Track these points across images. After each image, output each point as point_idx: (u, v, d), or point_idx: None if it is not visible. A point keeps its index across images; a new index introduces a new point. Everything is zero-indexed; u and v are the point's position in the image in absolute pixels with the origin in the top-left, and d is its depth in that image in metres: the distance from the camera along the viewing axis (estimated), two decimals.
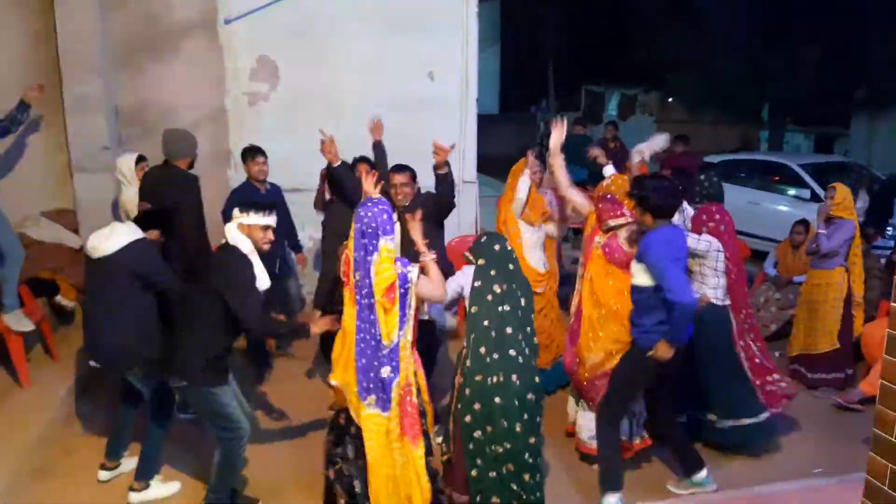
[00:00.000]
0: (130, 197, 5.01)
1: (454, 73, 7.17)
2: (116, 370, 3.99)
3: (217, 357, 3.50)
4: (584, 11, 20.08)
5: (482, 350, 3.34)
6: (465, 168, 7.38)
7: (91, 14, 6.01)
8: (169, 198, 4.54)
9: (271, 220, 3.57)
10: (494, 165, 9.63)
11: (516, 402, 3.31)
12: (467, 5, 7.13)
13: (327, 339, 4.98)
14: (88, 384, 5.06)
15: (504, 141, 15.82)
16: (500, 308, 3.37)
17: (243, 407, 3.72)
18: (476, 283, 3.41)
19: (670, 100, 19.49)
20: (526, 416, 3.34)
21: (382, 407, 3.12)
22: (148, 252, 3.87)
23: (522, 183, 4.96)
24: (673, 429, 4.05)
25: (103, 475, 4.12)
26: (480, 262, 3.46)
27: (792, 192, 9.01)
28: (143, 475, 3.92)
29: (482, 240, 3.55)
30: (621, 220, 4.04)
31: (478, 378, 3.34)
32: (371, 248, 3.09)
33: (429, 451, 3.25)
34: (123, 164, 5.27)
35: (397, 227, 3.82)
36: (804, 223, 6.45)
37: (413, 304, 3.17)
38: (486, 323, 3.35)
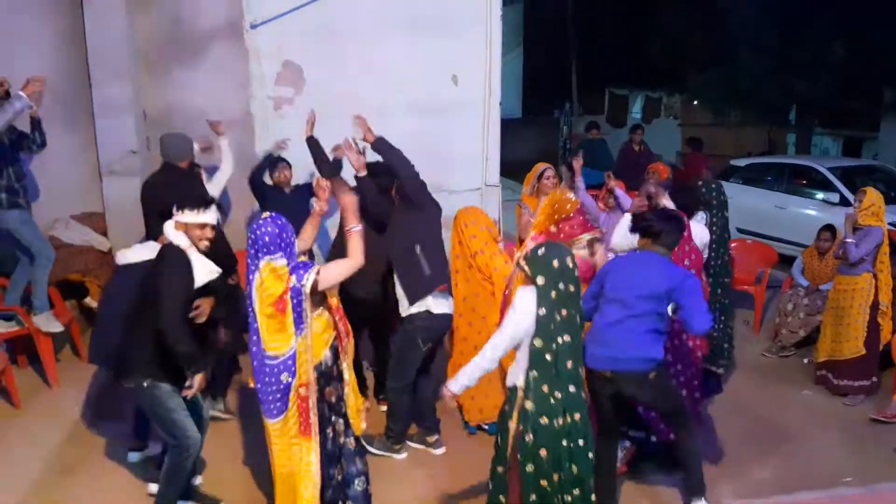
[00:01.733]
0: None
1: (477, 76, 7.16)
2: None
3: (162, 354, 3.32)
4: (606, 14, 19.99)
5: (545, 388, 3.01)
6: (488, 172, 7.37)
7: (119, 18, 6.10)
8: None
9: (207, 217, 3.41)
10: (517, 169, 9.62)
11: (581, 443, 3.08)
12: (490, 9, 7.12)
13: None
14: (115, 385, 5.12)
15: (527, 145, 15.79)
16: (560, 339, 3.01)
17: (201, 415, 3.62)
18: (541, 311, 3.00)
19: (695, 102, 19.29)
20: (589, 457, 3.13)
21: (279, 412, 3.16)
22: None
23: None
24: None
25: (133, 456, 4.21)
26: (539, 280, 3.02)
27: (820, 195, 8.86)
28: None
29: (539, 252, 3.08)
30: (595, 234, 4.06)
31: (543, 421, 3.02)
32: (253, 266, 3.10)
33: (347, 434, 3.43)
34: None
35: None
36: (830, 229, 6.32)
37: (309, 314, 3.14)
38: (548, 357, 3.00)
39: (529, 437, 3.03)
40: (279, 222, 3.14)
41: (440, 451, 4.45)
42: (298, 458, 3.22)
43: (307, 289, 3.10)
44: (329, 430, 3.34)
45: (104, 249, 6.24)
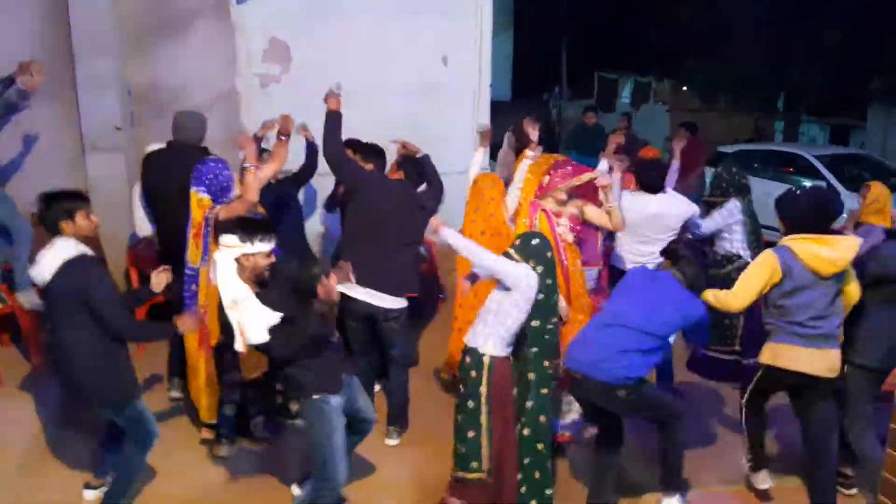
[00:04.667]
0: None
1: (468, 58, 7.11)
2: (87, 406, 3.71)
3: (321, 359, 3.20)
4: None
5: (546, 363, 3.37)
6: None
7: None
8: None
9: (274, 241, 3.12)
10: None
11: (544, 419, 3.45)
12: None
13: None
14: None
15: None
16: (553, 320, 3.42)
17: (367, 418, 3.54)
18: (540, 296, 3.30)
19: (684, 88, 19.31)
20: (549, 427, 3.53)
21: None
22: (87, 274, 3.21)
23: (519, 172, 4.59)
24: None
25: (88, 494, 3.72)
26: (539, 269, 3.30)
27: (807, 183, 8.91)
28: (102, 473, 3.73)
29: (534, 242, 3.35)
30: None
31: (543, 391, 3.35)
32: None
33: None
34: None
35: None
36: None
37: (211, 247, 3.65)
38: (547, 337, 3.35)
39: (530, 404, 3.31)
40: (219, 166, 3.93)
41: (392, 441, 4.35)
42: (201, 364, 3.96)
43: (212, 221, 3.76)
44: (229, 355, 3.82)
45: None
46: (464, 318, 4.45)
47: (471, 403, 3.26)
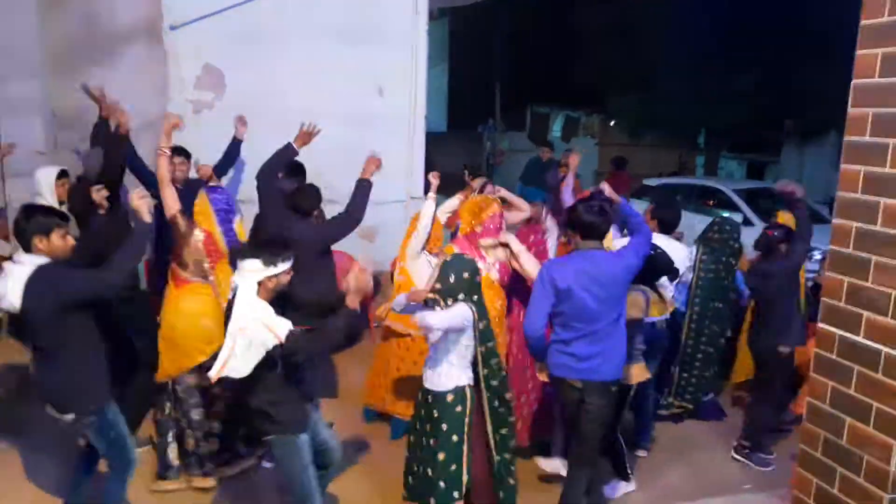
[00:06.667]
0: None
1: (403, 88, 7.22)
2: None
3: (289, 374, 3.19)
4: (530, 32, 20.48)
5: (494, 382, 3.53)
6: (413, 184, 7.42)
7: (29, 13, 5.85)
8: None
9: (290, 261, 3.10)
10: (442, 182, 9.64)
11: None
12: (417, 22, 7.21)
13: None
14: (16, 396, 4.85)
15: (451, 158, 15.90)
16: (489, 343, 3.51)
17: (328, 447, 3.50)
18: (481, 325, 3.41)
19: (612, 123, 20.00)
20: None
21: None
22: (52, 278, 3.06)
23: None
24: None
25: None
26: (474, 297, 3.41)
27: (725, 215, 9.33)
28: None
29: (451, 279, 3.38)
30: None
31: (495, 404, 3.57)
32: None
33: None
34: (42, 177, 4.79)
35: None
36: None
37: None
38: (493, 361, 3.52)
39: (502, 410, 3.54)
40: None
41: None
42: None
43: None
44: None
45: (4, 254, 5.90)
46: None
47: (455, 438, 3.40)
